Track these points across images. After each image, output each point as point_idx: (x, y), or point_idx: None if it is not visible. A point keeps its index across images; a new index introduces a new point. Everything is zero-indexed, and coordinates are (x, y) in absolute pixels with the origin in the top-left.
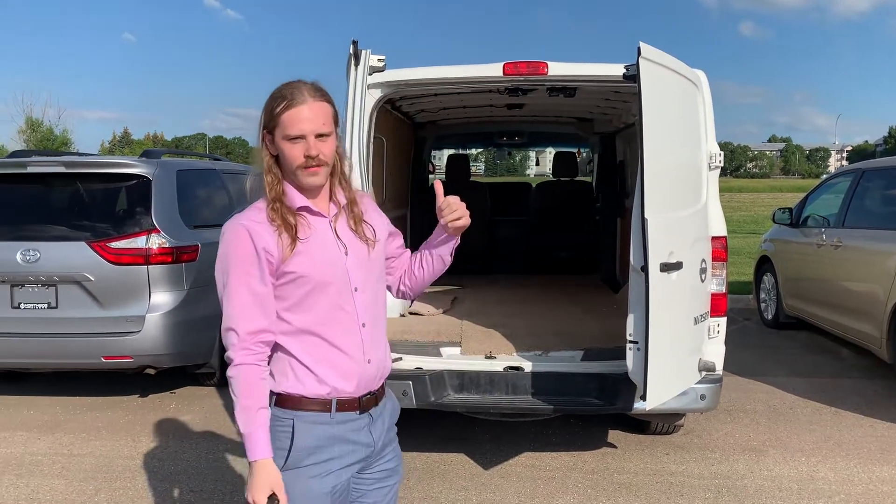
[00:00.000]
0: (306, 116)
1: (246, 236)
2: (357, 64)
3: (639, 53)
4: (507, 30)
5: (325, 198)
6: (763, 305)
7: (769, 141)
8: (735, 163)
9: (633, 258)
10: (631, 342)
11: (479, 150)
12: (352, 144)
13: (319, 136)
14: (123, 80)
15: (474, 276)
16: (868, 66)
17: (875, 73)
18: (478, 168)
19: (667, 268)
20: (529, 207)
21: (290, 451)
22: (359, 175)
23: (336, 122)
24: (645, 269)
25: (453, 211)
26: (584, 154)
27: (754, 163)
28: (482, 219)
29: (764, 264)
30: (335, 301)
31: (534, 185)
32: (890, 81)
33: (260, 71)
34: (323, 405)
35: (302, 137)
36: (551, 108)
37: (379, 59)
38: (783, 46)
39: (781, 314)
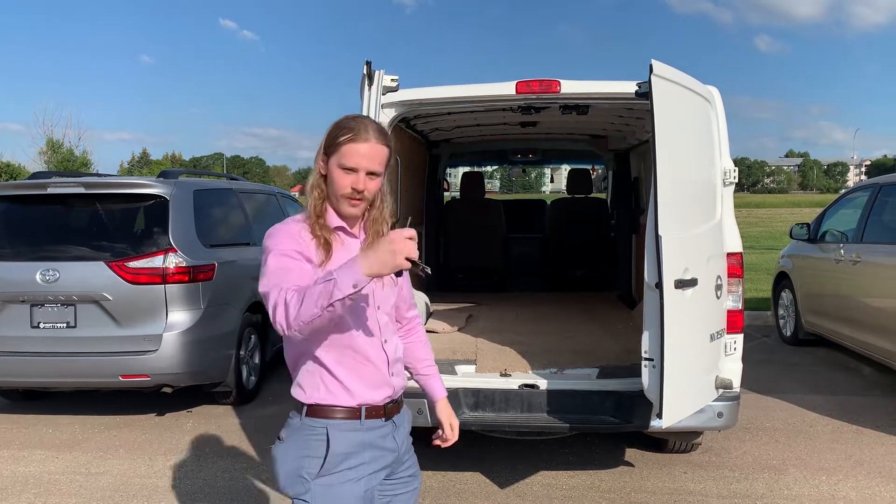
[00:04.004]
0: (365, 153)
1: (297, 234)
2: (371, 84)
3: (651, 71)
4: (523, 49)
5: (359, 226)
6: (782, 322)
7: (786, 156)
8: (752, 178)
9: (648, 275)
10: (646, 359)
11: (495, 167)
12: None
13: (371, 173)
14: (142, 102)
15: (490, 294)
16: (886, 78)
17: (893, 86)
18: (493, 185)
19: (681, 284)
20: (544, 224)
21: (325, 457)
22: None
23: (387, 165)
24: (659, 285)
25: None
26: (600, 171)
27: (772, 178)
28: (497, 236)
29: (782, 280)
30: (362, 317)
31: (548, 202)
32: None
33: (276, 90)
34: (353, 413)
35: (355, 170)
36: (565, 125)
37: (392, 80)
38: (800, 60)
39: (800, 331)
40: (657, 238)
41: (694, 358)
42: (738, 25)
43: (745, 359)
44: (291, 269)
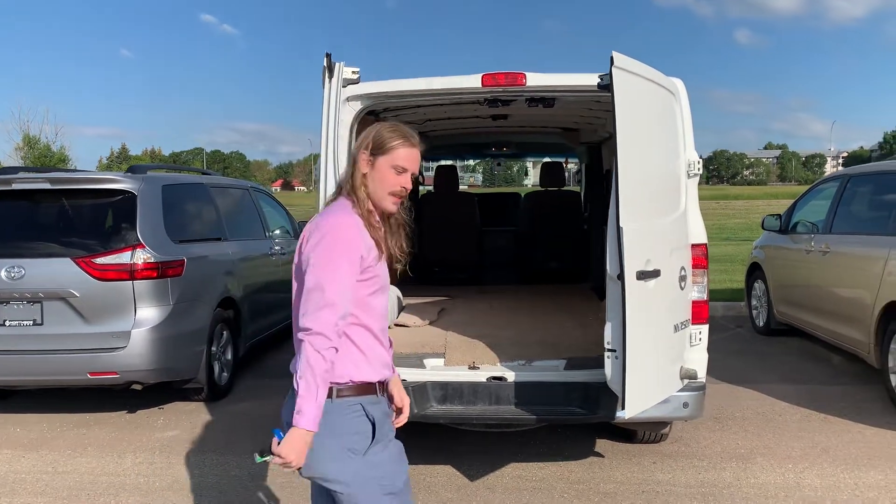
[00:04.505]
0: (413, 157)
1: (359, 234)
2: (331, 76)
3: (612, 63)
4: (509, 43)
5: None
6: (755, 312)
7: (765, 148)
8: (732, 170)
9: (609, 266)
10: (609, 350)
11: (476, 161)
12: (326, 156)
13: (412, 175)
14: (121, 97)
15: (463, 287)
16: (863, 71)
17: (870, 78)
18: (476, 179)
19: (644, 276)
20: (518, 218)
21: (374, 430)
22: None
23: None
24: (621, 277)
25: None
26: (574, 164)
27: (751, 170)
28: (472, 230)
29: (755, 271)
30: (384, 303)
31: (523, 196)
32: (885, 87)
33: (256, 85)
34: (373, 388)
35: (405, 171)
36: (536, 118)
37: (353, 72)
38: (779, 53)
39: (773, 321)
40: (618, 230)
41: (657, 349)
42: (719, 18)
43: (719, 349)
44: (346, 289)
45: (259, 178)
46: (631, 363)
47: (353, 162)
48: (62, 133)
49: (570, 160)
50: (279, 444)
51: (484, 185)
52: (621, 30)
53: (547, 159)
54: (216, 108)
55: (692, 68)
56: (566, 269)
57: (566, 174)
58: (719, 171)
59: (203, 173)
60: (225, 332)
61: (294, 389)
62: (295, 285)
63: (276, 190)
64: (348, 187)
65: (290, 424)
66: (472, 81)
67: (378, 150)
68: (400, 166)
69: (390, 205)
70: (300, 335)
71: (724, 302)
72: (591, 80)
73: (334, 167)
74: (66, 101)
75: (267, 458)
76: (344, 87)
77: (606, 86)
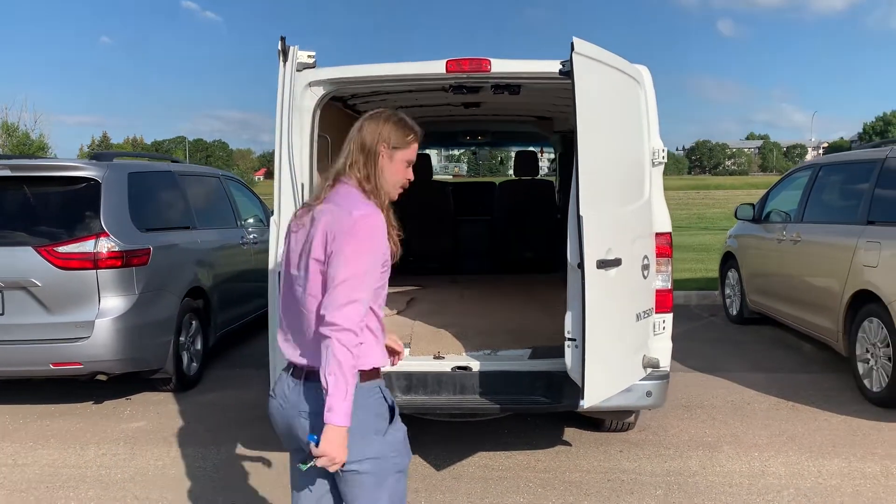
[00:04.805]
0: (416, 153)
1: (385, 232)
2: (285, 60)
3: (572, 49)
4: (502, 32)
5: None
6: (728, 301)
7: (747, 138)
8: (714, 160)
9: (570, 255)
10: (569, 339)
11: (461, 151)
12: (280, 142)
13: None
14: (102, 85)
15: (436, 277)
16: (844, 63)
17: (851, 70)
18: (461, 169)
19: (604, 264)
20: (493, 207)
21: (392, 412)
22: (289, 175)
23: None
24: (581, 265)
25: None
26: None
27: (733, 160)
28: (446, 219)
29: (728, 260)
30: (385, 294)
31: (497, 185)
32: (865, 78)
33: (239, 72)
34: (378, 373)
35: (411, 163)
36: (508, 107)
37: (308, 56)
38: (761, 44)
39: (745, 310)
40: (578, 218)
41: (618, 338)
42: (703, 9)
43: (692, 338)
44: (372, 286)
45: (242, 167)
46: (591, 352)
47: (370, 154)
48: (41, 121)
49: (545, 149)
50: (317, 446)
51: (469, 175)
52: (601, 20)
53: (517, 147)
54: (199, 97)
55: (676, 59)
56: (540, 258)
57: (547, 163)
58: (701, 161)
59: (172, 161)
60: (194, 322)
61: (303, 384)
62: (311, 270)
63: (259, 179)
64: (361, 176)
65: (317, 416)
66: (437, 67)
67: (398, 144)
68: (411, 160)
69: (396, 194)
70: (325, 330)
71: (699, 291)
72: (555, 66)
73: (289, 152)
74: (47, 88)
75: (312, 463)
76: (299, 71)
77: (568, 72)
